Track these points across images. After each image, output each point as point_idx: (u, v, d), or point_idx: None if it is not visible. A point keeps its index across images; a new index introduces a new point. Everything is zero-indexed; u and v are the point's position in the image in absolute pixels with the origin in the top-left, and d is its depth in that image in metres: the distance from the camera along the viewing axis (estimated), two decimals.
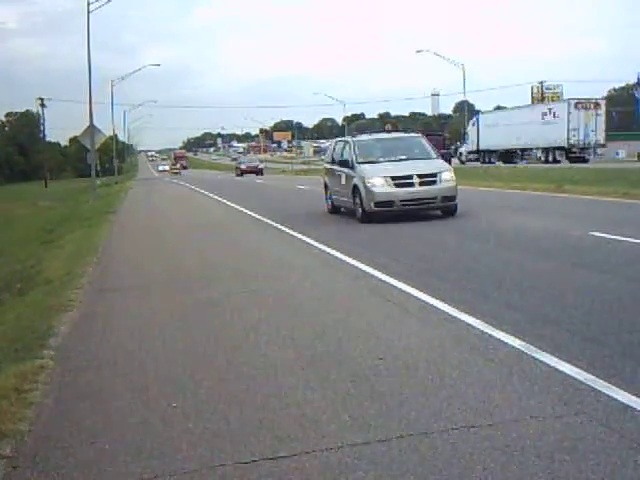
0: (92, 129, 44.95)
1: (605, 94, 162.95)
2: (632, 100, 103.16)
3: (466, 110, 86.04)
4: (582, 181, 29.56)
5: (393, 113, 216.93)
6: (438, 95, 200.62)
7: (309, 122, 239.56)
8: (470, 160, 67.15)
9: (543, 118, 58.32)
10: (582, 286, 9.51)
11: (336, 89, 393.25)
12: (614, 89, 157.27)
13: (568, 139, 55.17)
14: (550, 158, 56.89)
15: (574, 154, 55.09)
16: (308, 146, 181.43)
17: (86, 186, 55.80)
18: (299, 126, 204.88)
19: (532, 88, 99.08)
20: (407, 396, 5.62)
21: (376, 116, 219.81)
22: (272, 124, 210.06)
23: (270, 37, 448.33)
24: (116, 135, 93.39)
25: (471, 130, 68.97)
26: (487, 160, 63.94)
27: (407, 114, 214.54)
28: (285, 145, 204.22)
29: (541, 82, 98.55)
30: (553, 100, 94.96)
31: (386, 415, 5.26)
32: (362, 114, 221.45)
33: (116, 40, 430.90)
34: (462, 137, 77.31)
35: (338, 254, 13.16)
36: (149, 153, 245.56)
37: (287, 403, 5.66)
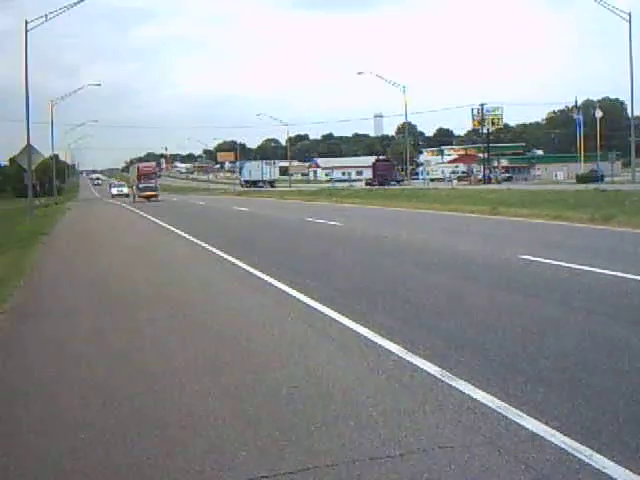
0: (29, 149, 44.32)
1: (545, 116, 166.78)
2: (571, 123, 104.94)
3: (407, 132, 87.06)
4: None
5: (336, 134, 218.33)
6: (381, 117, 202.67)
7: (253, 143, 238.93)
8: (243, 186, 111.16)
9: (266, 165, 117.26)
10: (505, 310, 9.55)
11: (280, 110, 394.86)
12: (554, 111, 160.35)
13: (261, 177, 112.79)
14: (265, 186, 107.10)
15: (269, 184, 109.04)
16: None
17: (24, 207, 54.95)
18: (242, 147, 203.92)
19: (472, 110, 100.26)
20: (318, 426, 5.53)
21: (319, 137, 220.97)
22: (215, 144, 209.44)
23: (213, 57, 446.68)
24: (57, 155, 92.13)
25: (243, 169, 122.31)
26: (249, 186, 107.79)
27: (350, 135, 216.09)
28: (227, 166, 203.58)
29: (482, 104, 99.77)
30: (493, 122, 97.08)
31: (295, 446, 5.17)
32: (306, 135, 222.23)
33: (58, 59, 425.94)
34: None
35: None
36: (93, 176, 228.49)
37: (197, 433, 5.54)
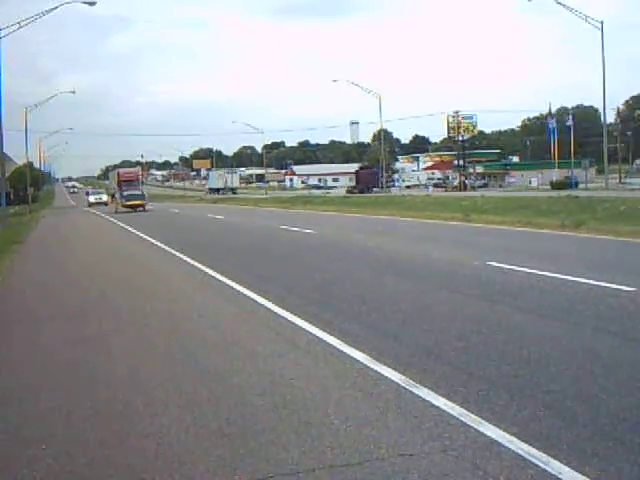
0: (2, 157, 44.17)
1: (519, 123, 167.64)
2: (546, 130, 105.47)
3: (382, 138, 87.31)
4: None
5: (313, 141, 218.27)
6: (357, 124, 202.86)
7: (229, 150, 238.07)
8: (209, 193, 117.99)
9: (227, 173, 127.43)
10: (470, 317, 9.57)
11: (256, 117, 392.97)
12: (528, 118, 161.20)
13: (224, 184, 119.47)
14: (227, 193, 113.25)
15: (231, 191, 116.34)
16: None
17: None
18: (219, 154, 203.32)
19: (447, 117, 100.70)
20: (279, 434, 5.54)
21: (296, 144, 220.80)
22: (192, 152, 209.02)
23: (188, 64, 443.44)
24: (31, 163, 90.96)
25: (209, 177, 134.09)
26: (213, 193, 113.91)
27: (327, 142, 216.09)
28: (204, 173, 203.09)
29: (456, 112, 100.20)
30: (468, 129, 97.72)
31: (256, 455, 5.17)
32: (282, 142, 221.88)
33: (33, 66, 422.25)
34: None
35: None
36: (69, 183, 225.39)
37: (159, 444, 5.52)
